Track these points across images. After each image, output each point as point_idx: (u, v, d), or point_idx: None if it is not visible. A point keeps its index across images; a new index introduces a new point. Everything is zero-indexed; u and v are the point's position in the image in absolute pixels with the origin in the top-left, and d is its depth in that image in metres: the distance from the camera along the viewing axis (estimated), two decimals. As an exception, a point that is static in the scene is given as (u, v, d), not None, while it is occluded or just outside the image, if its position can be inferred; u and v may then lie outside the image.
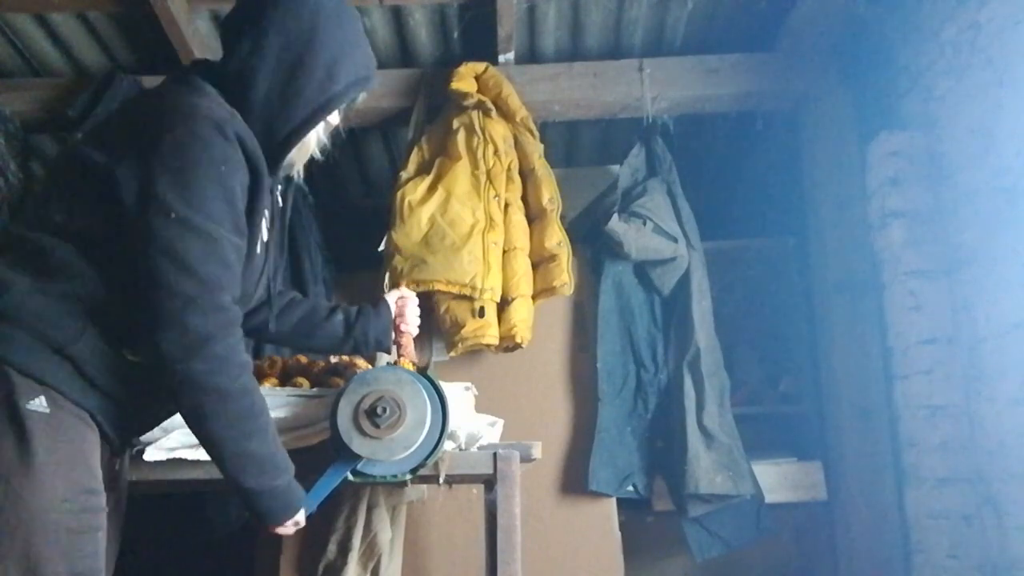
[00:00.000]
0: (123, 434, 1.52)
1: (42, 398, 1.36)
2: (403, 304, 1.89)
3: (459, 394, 1.92)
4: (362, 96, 1.62)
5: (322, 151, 1.62)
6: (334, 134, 1.64)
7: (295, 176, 1.66)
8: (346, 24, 1.53)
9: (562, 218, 2.93)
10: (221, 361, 1.37)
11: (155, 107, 1.45)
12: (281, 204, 1.67)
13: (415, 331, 1.90)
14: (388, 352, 1.93)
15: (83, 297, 1.40)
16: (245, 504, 1.50)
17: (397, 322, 1.88)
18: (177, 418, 1.72)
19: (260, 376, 2.10)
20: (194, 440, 1.73)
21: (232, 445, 1.42)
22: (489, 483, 1.93)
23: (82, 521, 1.38)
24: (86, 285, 1.40)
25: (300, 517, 1.56)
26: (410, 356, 1.85)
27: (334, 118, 1.59)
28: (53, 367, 1.37)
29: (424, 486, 2.59)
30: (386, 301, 1.89)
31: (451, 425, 1.77)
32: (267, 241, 1.59)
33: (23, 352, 1.36)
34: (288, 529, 1.55)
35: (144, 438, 1.74)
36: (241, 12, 1.52)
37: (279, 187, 1.65)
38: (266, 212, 1.54)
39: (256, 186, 1.45)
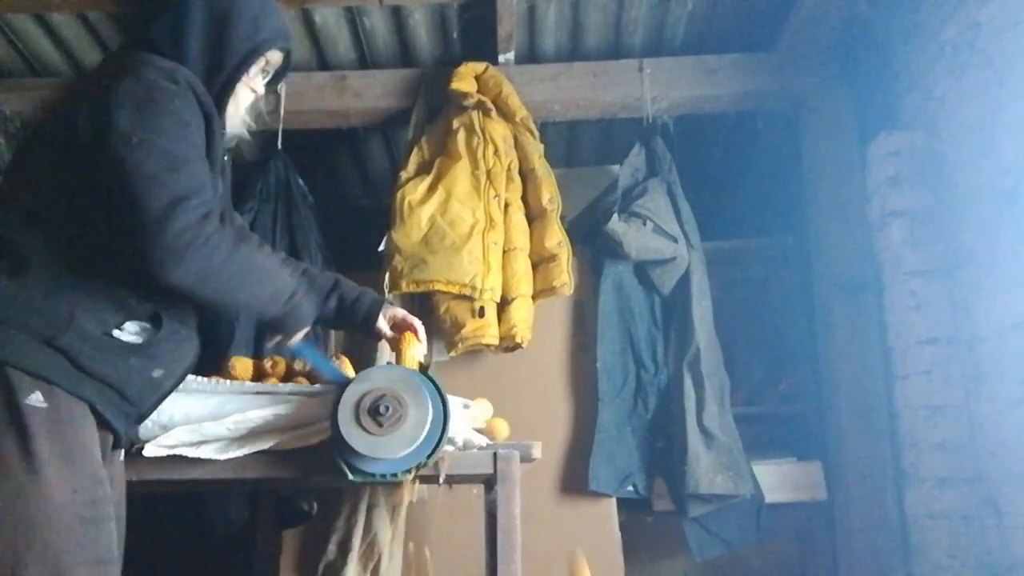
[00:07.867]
0: (124, 421, 1.50)
1: (39, 393, 1.36)
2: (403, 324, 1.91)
3: (457, 411, 1.89)
4: (279, 57, 1.67)
5: (248, 130, 1.71)
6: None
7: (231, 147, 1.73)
8: None
9: (562, 218, 2.93)
10: (209, 248, 1.44)
11: (105, 68, 1.56)
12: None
13: (422, 335, 1.91)
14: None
15: (64, 285, 1.41)
16: (272, 328, 1.69)
17: (398, 334, 1.89)
18: (177, 416, 1.73)
19: (261, 376, 2.10)
20: (194, 438, 1.74)
21: (255, 299, 1.59)
22: (489, 483, 1.93)
23: (95, 510, 1.38)
24: (64, 271, 1.42)
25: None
26: (416, 353, 1.84)
27: (259, 86, 1.67)
28: (46, 360, 1.37)
29: (424, 486, 2.59)
30: (379, 301, 1.91)
31: (451, 430, 1.76)
32: (222, 193, 1.64)
33: (15, 348, 1.36)
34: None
35: (143, 435, 1.73)
36: None
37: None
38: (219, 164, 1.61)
39: (211, 129, 1.52)
